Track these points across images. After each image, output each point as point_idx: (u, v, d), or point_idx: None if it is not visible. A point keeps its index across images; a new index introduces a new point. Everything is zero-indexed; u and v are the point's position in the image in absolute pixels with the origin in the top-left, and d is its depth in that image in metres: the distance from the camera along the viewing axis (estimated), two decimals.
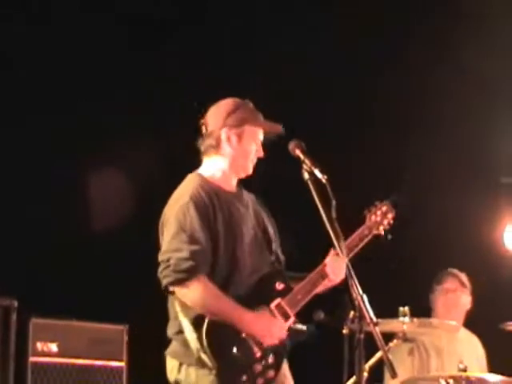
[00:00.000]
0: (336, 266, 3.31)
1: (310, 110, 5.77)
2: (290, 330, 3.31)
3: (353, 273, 3.08)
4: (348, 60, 5.87)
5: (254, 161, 3.41)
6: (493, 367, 4.87)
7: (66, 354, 4.61)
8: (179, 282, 3.13)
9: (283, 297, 3.30)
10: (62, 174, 5.24)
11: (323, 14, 5.89)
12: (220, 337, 3.15)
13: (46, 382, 4.53)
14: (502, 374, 4.35)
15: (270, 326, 3.24)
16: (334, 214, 3.01)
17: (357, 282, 3.07)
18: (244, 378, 3.12)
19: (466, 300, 5.04)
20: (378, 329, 2.97)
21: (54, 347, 4.57)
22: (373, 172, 5.65)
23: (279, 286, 3.37)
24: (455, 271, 5.17)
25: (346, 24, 5.76)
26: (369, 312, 3.01)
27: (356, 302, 3.02)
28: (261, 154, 3.40)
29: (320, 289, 3.44)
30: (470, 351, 4.93)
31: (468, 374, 4.23)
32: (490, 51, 5.79)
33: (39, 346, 4.50)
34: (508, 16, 5.79)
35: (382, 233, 3.60)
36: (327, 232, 3.02)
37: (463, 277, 5.08)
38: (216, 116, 3.36)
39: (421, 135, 5.88)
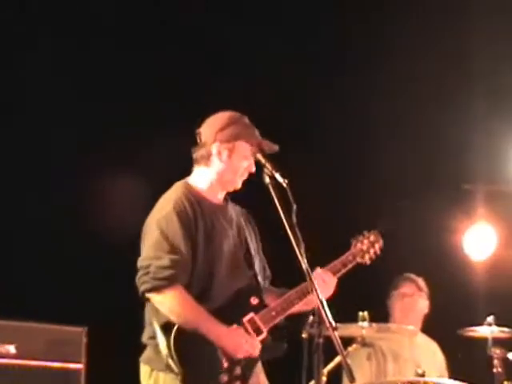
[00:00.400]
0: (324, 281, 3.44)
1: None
2: (267, 344, 3.36)
3: (313, 277, 3.14)
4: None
5: (245, 176, 3.46)
6: (453, 373, 4.98)
7: (23, 356, 4.65)
8: (157, 289, 3.18)
9: (257, 312, 3.36)
10: None
11: None
12: (188, 344, 3.19)
13: None
14: (462, 379, 4.46)
15: (242, 342, 3.29)
16: (294, 219, 3.07)
17: (317, 287, 3.13)
18: None
19: (423, 304, 5.14)
20: (336, 333, 3.02)
21: (11, 349, 4.60)
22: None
23: (254, 300, 3.42)
24: (412, 276, 5.26)
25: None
26: (328, 316, 3.06)
27: (315, 307, 3.09)
28: (252, 169, 3.43)
29: (297, 308, 3.51)
30: (429, 356, 5.01)
31: (426, 379, 4.31)
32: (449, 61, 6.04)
33: None
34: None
35: (368, 262, 3.67)
36: (288, 237, 3.07)
37: (420, 281, 5.18)
38: (210, 129, 3.41)
39: (380, 136, 6.05)
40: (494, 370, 4.42)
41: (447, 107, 6.01)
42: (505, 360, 4.55)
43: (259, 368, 3.48)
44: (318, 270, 3.45)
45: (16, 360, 4.66)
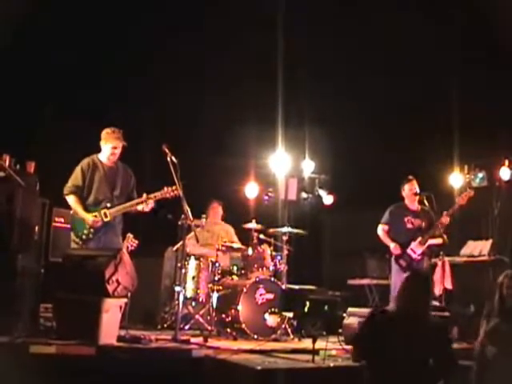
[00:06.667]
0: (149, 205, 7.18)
1: None
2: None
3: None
4: None
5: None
6: None
7: None
8: (65, 194, 7.10)
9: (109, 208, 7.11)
10: None
11: None
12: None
13: None
14: None
15: (92, 220, 6.97)
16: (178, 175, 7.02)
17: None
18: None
19: None
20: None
21: None
22: None
23: (107, 203, 7.06)
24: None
25: None
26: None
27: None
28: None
29: (132, 210, 7.19)
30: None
31: None
32: None
33: None
34: None
35: (169, 197, 7.16)
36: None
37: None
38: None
39: None
40: None
41: None
42: None
43: (113, 232, 7.12)
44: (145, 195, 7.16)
45: None
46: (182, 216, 7.37)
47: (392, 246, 8.21)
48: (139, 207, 7.22)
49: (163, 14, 9.19)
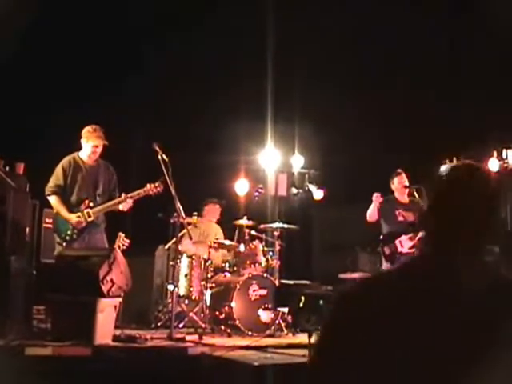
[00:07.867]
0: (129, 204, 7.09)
1: None
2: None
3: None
4: None
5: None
6: None
7: None
8: (47, 195, 7.10)
9: (92, 208, 7.11)
10: None
11: None
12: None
13: None
14: None
15: (75, 220, 6.98)
16: (169, 173, 7.11)
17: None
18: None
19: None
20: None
21: None
22: None
23: (89, 202, 7.10)
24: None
25: None
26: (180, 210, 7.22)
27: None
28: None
29: (114, 208, 7.13)
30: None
31: None
32: None
33: None
34: None
35: (152, 194, 7.05)
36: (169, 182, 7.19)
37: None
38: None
39: None
40: None
41: None
42: None
43: (97, 231, 7.11)
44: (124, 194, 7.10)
45: None
46: (175, 214, 7.33)
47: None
48: (120, 206, 7.18)
49: (163, 13, 9.08)
